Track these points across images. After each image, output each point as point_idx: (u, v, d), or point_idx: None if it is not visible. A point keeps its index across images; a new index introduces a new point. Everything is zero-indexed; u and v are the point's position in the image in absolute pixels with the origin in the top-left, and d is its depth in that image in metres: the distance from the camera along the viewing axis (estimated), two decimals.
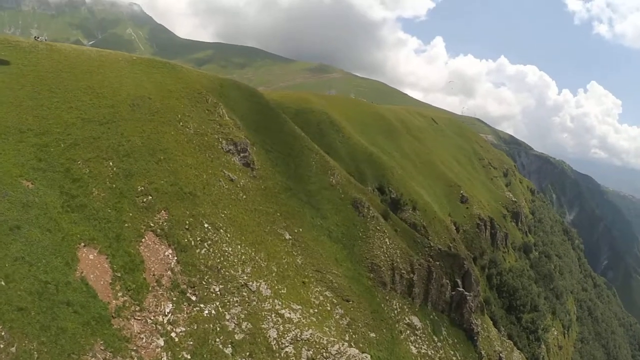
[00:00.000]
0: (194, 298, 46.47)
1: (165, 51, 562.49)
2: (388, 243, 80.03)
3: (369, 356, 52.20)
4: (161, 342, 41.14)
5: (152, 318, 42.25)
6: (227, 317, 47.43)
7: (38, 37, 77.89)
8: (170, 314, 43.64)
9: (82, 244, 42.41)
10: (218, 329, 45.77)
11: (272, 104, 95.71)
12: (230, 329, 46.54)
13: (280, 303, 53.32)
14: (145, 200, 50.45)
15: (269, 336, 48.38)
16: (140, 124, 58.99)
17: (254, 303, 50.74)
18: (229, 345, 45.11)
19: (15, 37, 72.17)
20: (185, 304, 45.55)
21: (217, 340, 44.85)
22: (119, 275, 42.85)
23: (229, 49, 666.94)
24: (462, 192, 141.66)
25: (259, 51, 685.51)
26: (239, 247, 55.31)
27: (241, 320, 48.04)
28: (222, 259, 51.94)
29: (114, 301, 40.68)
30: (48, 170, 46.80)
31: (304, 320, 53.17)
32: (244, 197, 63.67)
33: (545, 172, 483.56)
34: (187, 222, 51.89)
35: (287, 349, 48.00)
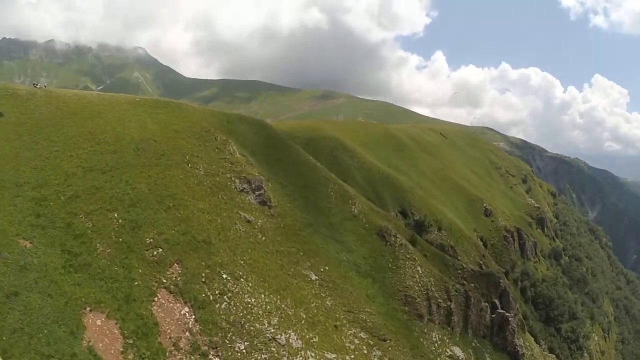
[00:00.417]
0: None
1: (172, 91, 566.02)
2: (420, 271, 75.15)
3: None
4: None
5: None
6: None
7: (37, 84, 75.11)
8: None
9: (88, 309, 38.41)
10: None
11: (282, 136, 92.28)
12: None
13: (313, 354, 48.45)
14: (155, 253, 45.82)
15: None
16: (146, 169, 55.09)
17: (285, 358, 45.35)
18: None
19: (13, 85, 69.51)
20: None
21: None
22: (131, 341, 38.39)
23: (234, 84, 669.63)
24: (484, 204, 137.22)
25: (264, 84, 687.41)
26: (263, 296, 50.25)
27: None
28: (245, 312, 46.90)
29: None
30: (47, 227, 43.35)
31: None
32: (263, 238, 58.89)
33: (562, 173, 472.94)
34: (203, 274, 47.01)
35: None
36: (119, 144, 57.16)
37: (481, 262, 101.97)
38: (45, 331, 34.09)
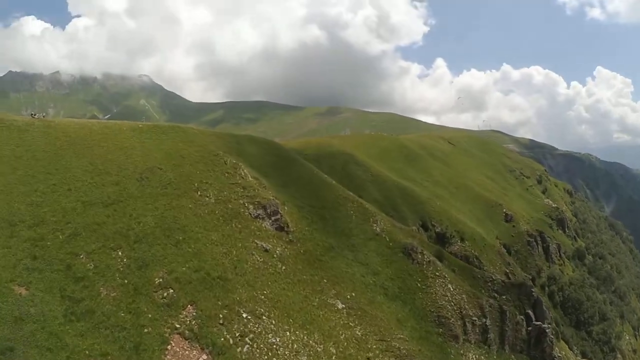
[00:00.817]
0: None
1: (179, 117, 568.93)
2: (452, 289, 70.97)
3: None
4: None
5: None
6: None
7: (35, 114, 71.56)
8: None
9: None
10: None
11: (294, 155, 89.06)
12: None
13: None
14: (165, 295, 40.93)
15: None
16: (152, 200, 50.69)
17: None
18: None
19: (10, 115, 66.26)
20: None
21: None
22: None
23: (239, 106, 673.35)
24: (504, 210, 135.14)
25: (268, 103, 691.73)
26: (288, 333, 45.28)
27: None
28: (270, 354, 41.94)
29: None
30: (45, 270, 39.35)
31: None
32: (283, 268, 54.06)
33: (574, 170, 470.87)
34: (221, 315, 41.95)
35: None
36: (121, 174, 53.22)
37: (507, 271, 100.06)
38: None
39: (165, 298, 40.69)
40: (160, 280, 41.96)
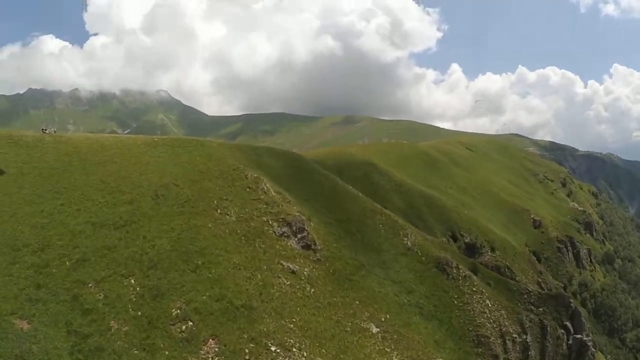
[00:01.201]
0: None
1: (197, 131, 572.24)
2: (490, 305, 66.41)
3: None
4: None
5: None
6: None
7: (45, 129, 68.71)
8: None
9: None
10: None
11: (315, 166, 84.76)
12: None
13: None
14: (184, 328, 36.38)
15: None
16: (168, 220, 46.53)
17: None
18: None
19: (21, 131, 63.68)
20: None
21: None
22: None
23: (256, 118, 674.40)
24: (532, 216, 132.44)
25: (285, 115, 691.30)
26: None
27: None
28: None
29: None
30: (50, 301, 36.03)
31: None
32: (312, 290, 49.22)
33: (596, 170, 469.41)
34: (247, 350, 37.06)
35: None
36: (135, 192, 49.48)
37: (539, 280, 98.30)
38: None
39: (183, 332, 36.21)
40: (178, 311, 37.51)
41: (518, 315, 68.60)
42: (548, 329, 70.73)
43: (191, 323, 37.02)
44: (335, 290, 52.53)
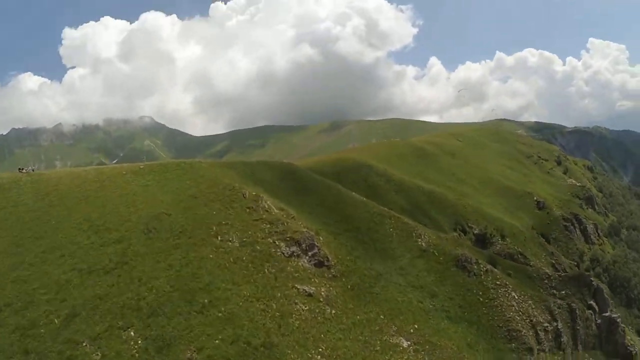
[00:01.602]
0: None
1: (185, 152, 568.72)
2: (516, 297, 63.84)
3: None
4: None
5: None
6: None
7: (22, 169, 64.16)
8: None
9: None
10: None
11: (314, 175, 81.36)
12: None
13: None
14: None
15: None
16: (164, 256, 41.47)
17: None
18: None
19: None
20: None
21: None
22: None
23: (243, 133, 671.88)
24: (535, 198, 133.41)
25: (272, 127, 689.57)
26: None
27: None
28: None
29: None
30: None
31: None
32: (333, 312, 44.66)
33: (586, 145, 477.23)
34: None
35: None
36: (123, 229, 44.74)
37: (553, 261, 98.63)
38: None
39: None
40: None
41: (545, 302, 66.60)
42: (577, 312, 68.90)
43: None
44: (357, 307, 48.33)
